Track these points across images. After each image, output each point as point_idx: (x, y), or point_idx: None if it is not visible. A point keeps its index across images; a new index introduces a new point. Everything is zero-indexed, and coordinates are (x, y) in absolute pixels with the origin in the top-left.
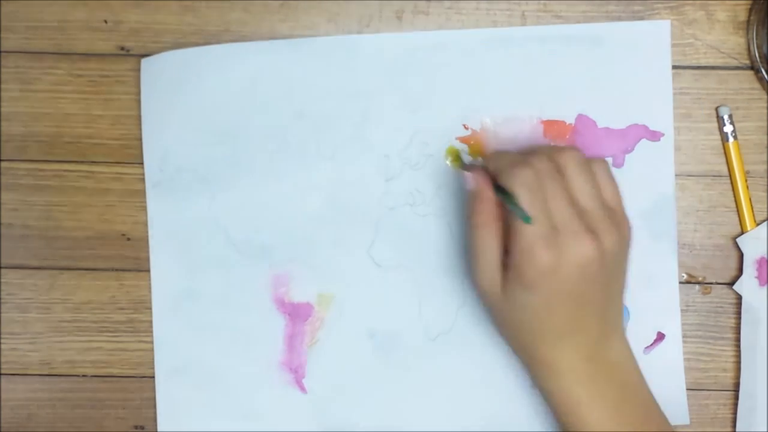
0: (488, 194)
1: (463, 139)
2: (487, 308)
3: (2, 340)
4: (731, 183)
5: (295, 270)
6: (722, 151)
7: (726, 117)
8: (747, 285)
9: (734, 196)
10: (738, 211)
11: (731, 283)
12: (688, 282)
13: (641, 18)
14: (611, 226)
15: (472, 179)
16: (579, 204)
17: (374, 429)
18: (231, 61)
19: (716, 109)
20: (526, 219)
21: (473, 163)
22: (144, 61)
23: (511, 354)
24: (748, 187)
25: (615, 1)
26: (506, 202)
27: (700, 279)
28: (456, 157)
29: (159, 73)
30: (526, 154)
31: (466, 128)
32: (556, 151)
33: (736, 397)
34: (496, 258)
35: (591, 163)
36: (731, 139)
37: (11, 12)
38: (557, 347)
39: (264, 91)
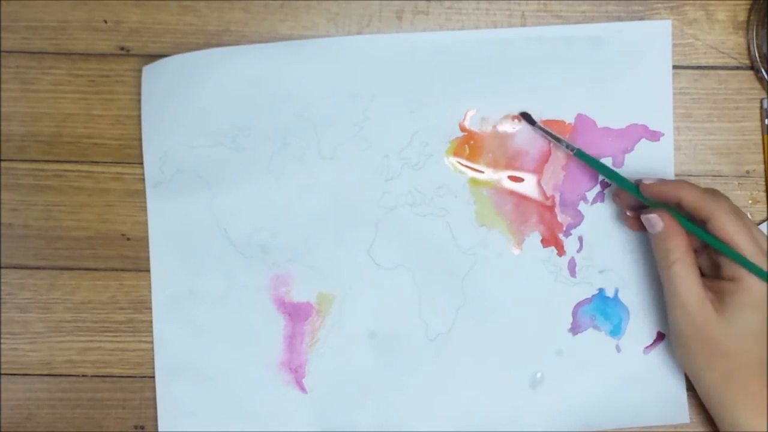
0: (678, 229)
1: (462, 139)
2: (691, 343)
3: (2, 340)
4: (765, 176)
5: (295, 270)
6: (722, 151)
7: None
8: None
9: (767, 190)
10: None
11: None
12: None
13: (641, 18)
14: None
15: (658, 221)
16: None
17: (374, 429)
18: (231, 64)
19: (761, 100)
20: (761, 273)
21: (656, 192)
22: (145, 69)
23: (511, 354)
24: None
25: (615, 1)
26: (713, 245)
27: None
28: (632, 187)
29: (160, 77)
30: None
31: (466, 129)
32: (716, 190)
33: None
34: (701, 287)
35: None
36: None
37: (11, 12)
38: None
39: (264, 92)
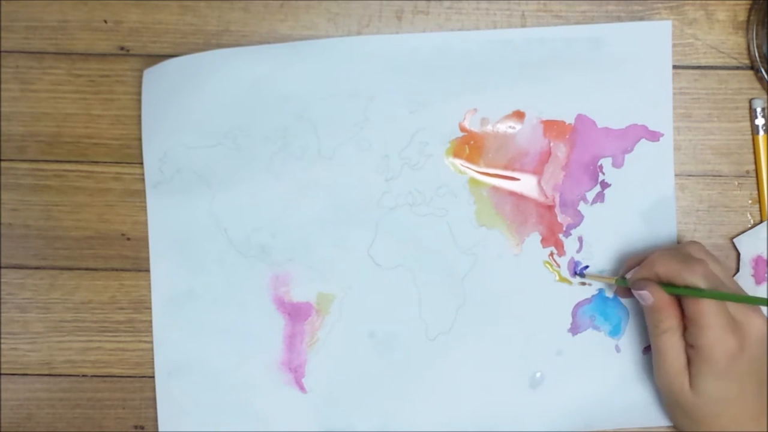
0: (669, 301)
1: (462, 139)
2: (674, 411)
3: (2, 340)
4: (756, 177)
5: (295, 270)
6: (722, 151)
7: (759, 110)
8: (743, 283)
9: (758, 190)
10: (760, 204)
11: None
12: None
13: (641, 18)
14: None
15: (649, 296)
16: (733, 287)
17: (374, 429)
18: (231, 65)
19: (750, 101)
20: (761, 300)
21: (636, 277)
22: (146, 72)
23: (511, 354)
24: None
25: (615, 1)
26: (712, 296)
27: None
28: (619, 279)
29: (160, 80)
30: (678, 251)
31: (466, 129)
32: (692, 244)
33: None
34: (684, 358)
35: None
36: (762, 132)
37: (11, 12)
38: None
39: (264, 93)
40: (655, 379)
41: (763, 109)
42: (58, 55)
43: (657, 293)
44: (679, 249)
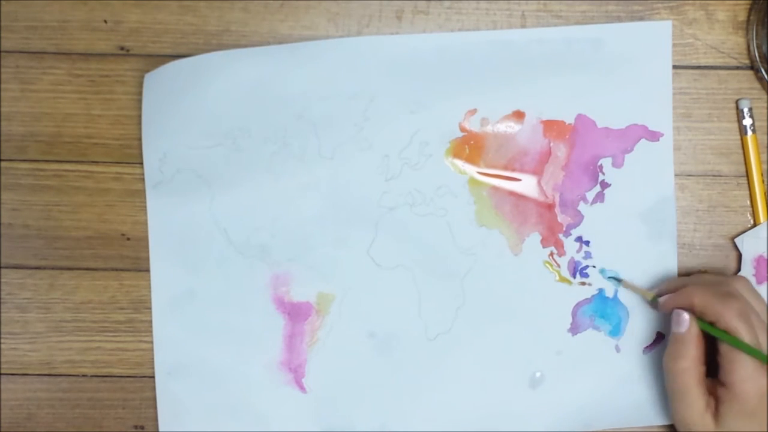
0: (699, 336)
1: (462, 139)
2: None
3: (2, 340)
4: (747, 177)
5: (295, 270)
6: (722, 151)
7: (746, 110)
8: None
9: (749, 190)
10: (752, 205)
11: None
12: None
13: (641, 18)
14: None
15: (686, 322)
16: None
17: (374, 429)
18: (231, 67)
19: (737, 101)
20: (761, 356)
21: (671, 305)
22: (147, 76)
23: (510, 354)
24: (764, 182)
25: (615, 1)
26: (729, 341)
27: None
28: (654, 297)
29: (161, 82)
30: (720, 284)
31: (466, 129)
32: (737, 280)
33: None
34: (704, 399)
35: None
36: (750, 132)
37: (11, 12)
38: None
39: (264, 94)
40: (675, 417)
41: (750, 109)
42: (58, 55)
43: (693, 324)
44: (722, 282)
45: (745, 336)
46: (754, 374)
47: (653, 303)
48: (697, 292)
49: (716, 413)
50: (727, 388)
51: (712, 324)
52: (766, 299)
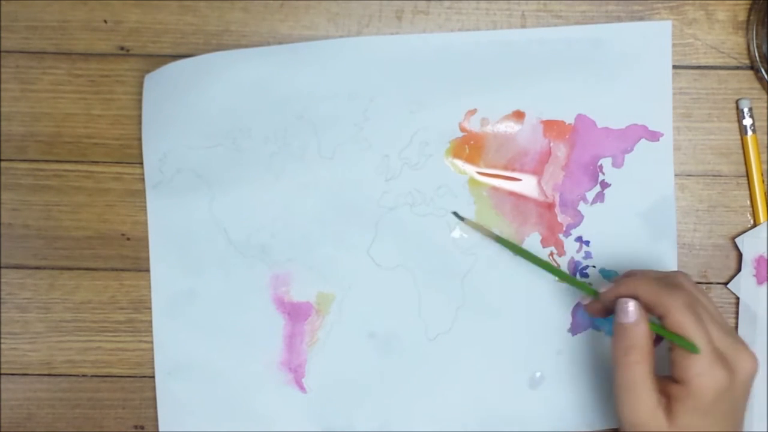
0: (647, 327)
1: (462, 139)
2: None
3: (2, 340)
4: (747, 177)
5: (295, 270)
6: (722, 151)
7: (746, 110)
8: (744, 283)
9: (749, 190)
10: (752, 205)
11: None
12: None
13: (641, 18)
14: (743, 342)
15: (633, 312)
16: (721, 322)
17: (374, 429)
18: (231, 68)
19: (737, 101)
20: (693, 349)
21: (613, 294)
22: (147, 77)
23: (510, 354)
24: (764, 182)
25: (615, 1)
26: (669, 337)
27: (699, 279)
28: (591, 291)
29: (161, 83)
30: (664, 276)
31: (466, 129)
32: (679, 274)
33: None
34: (655, 394)
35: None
36: (750, 133)
37: (11, 12)
38: None
39: (264, 94)
40: (622, 414)
41: (750, 109)
42: (58, 55)
43: (639, 314)
44: (666, 275)
45: (693, 327)
46: (709, 369)
47: (592, 305)
48: (641, 282)
49: (668, 411)
50: (681, 385)
51: (660, 318)
52: (766, 299)
